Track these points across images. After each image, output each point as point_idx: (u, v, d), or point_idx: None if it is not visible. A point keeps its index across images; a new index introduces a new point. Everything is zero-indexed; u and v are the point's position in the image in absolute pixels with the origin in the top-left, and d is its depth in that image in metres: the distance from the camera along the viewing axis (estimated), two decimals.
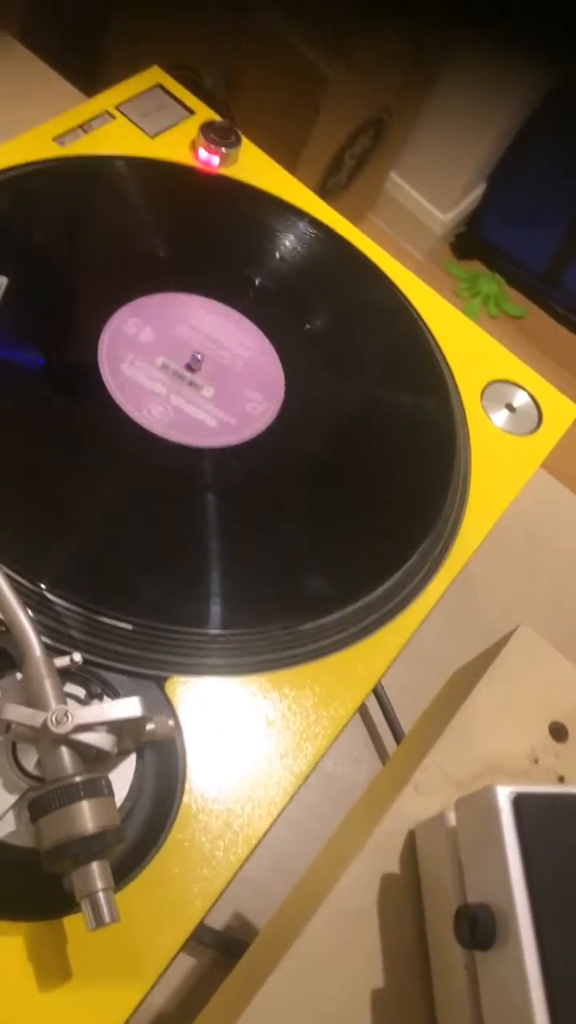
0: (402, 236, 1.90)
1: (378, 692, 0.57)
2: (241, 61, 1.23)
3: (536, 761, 0.34)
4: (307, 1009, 0.28)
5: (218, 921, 0.48)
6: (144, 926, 0.37)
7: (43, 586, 0.42)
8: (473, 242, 1.93)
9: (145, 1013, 0.45)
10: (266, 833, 0.40)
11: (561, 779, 0.34)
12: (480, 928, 0.26)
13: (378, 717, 0.58)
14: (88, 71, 1.25)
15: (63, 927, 0.36)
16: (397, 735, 0.57)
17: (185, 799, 0.40)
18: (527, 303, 1.94)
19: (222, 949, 0.46)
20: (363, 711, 0.58)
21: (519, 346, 1.82)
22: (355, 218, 1.82)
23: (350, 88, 1.29)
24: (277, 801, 0.41)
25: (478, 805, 0.28)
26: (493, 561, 0.63)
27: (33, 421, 0.48)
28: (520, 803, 0.27)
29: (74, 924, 0.36)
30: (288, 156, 1.32)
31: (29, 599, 0.41)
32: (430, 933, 0.30)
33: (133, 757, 0.39)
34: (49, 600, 0.42)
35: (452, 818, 0.30)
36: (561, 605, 0.64)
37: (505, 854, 0.26)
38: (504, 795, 0.27)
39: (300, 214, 0.61)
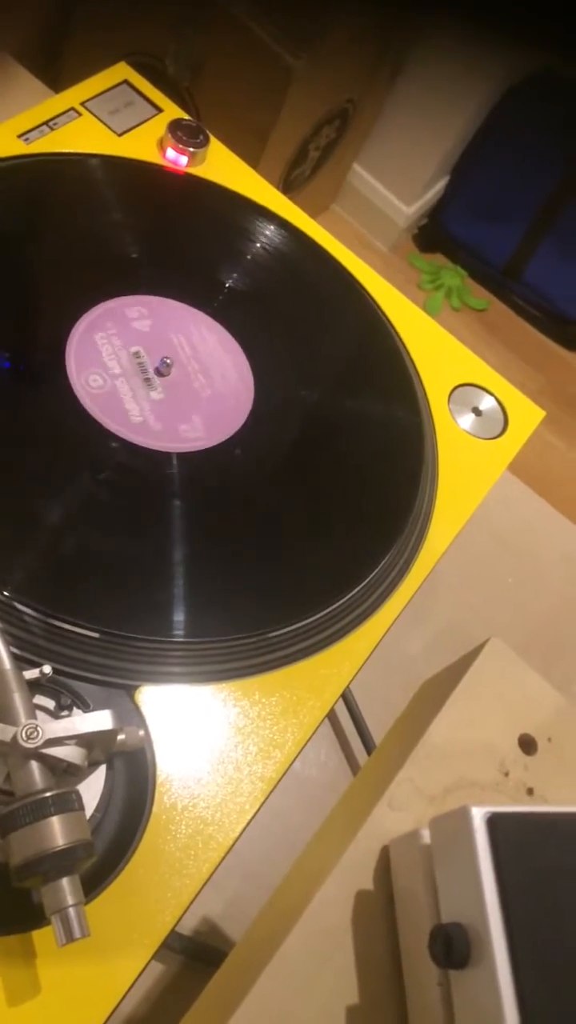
0: (365, 228, 1.90)
1: (346, 696, 0.57)
2: (205, 50, 1.22)
3: (507, 774, 0.34)
4: None
5: (186, 926, 0.48)
6: (114, 937, 0.37)
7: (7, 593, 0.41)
8: (436, 235, 1.93)
9: (115, 1020, 0.45)
10: (236, 841, 0.41)
11: (530, 791, 0.35)
12: (454, 947, 0.26)
13: (343, 716, 0.58)
14: (50, 57, 1.23)
15: (32, 940, 0.36)
16: (360, 729, 0.57)
17: (155, 809, 0.40)
18: (489, 296, 1.95)
19: (191, 955, 0.46)
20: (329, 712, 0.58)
21: (481, 339, 1.83)
22: (318, 209, 1.83)
23: (315, 79, 1.28)
24: (247, 809, 0.41)
25: (452, 825, 0.28)
26: (458, 563, 0.63)
27: None
28: (494, 823, 0.27)
29: (43, 936, 0.36)
30: (252, 147, 1.31)
31: None
32: (404, 950, 0.30)
33: (103, 767, 0.39)
34: (16, 608, 0.41)
35: (426, 836, 0.31)
36: (525, 607, 0.65)
37: (479, 874, 0.26)
38: (479, 815, 0.27)
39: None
